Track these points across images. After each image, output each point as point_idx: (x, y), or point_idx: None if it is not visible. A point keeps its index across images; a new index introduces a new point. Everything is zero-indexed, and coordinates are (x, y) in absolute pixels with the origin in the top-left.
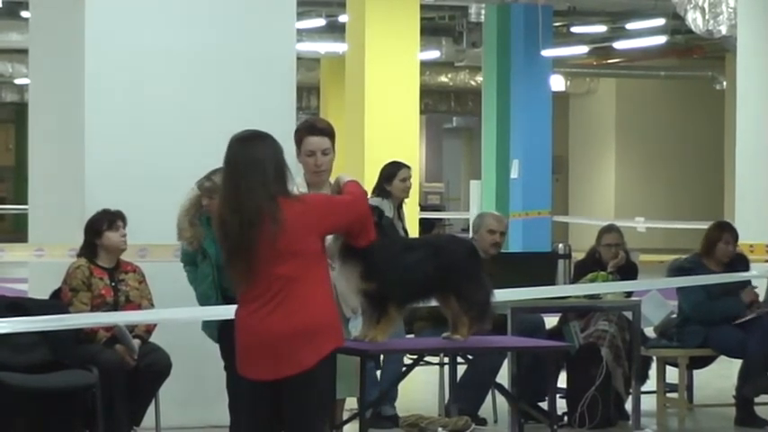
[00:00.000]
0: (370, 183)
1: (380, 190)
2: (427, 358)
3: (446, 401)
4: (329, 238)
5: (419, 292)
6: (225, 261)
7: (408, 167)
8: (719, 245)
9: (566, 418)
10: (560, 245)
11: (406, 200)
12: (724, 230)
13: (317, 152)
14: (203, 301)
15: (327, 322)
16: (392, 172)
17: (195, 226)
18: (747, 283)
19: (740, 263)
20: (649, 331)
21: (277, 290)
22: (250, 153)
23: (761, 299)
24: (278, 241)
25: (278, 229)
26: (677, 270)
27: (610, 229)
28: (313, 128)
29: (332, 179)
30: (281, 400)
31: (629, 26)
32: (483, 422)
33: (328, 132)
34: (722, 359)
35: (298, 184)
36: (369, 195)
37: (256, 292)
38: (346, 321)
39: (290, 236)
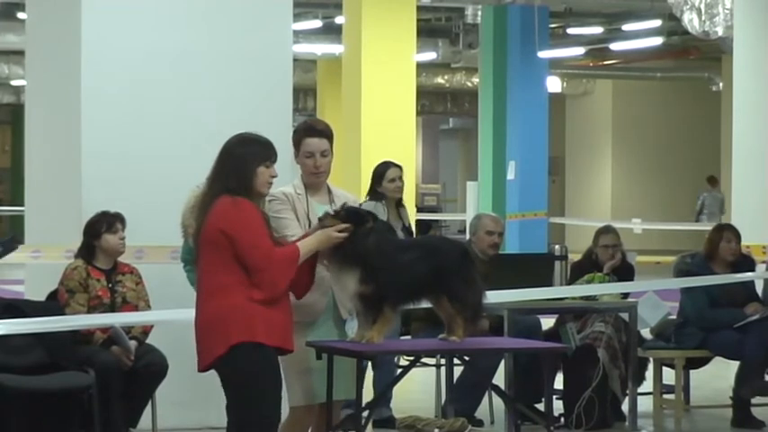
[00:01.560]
0: (366, 184)
1: (374, 192)
2: (424, 359)
3: (443, 403)
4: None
5: (414, 292)
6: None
7: (398, 167)
8: (722, 244)
9: (562, 419)
10: (557, 246)
11: (404, 199)
12: (723, 230)
13: (315, 153)
14: None
15: (230, 316)
16: (381, 173)
17: None
18: (754, 293)
19: (746, 264)
20: (646, 332)
21: (198, 283)
22: (227, 151)
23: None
24: (200, 235)
25: (200, 223)
26: (684, 274)
27: (606, 230)
28: (312, 129)
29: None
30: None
31: (626, 27)
32: (479, 423)
33: (327, 134)
34: (718, 360)
35: (296, 185)
36: (364, 199)
37: None
38: (342, 323)
39: (208, 231)
